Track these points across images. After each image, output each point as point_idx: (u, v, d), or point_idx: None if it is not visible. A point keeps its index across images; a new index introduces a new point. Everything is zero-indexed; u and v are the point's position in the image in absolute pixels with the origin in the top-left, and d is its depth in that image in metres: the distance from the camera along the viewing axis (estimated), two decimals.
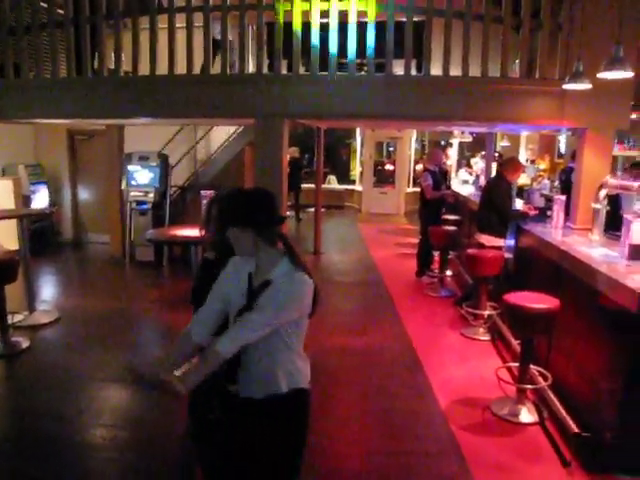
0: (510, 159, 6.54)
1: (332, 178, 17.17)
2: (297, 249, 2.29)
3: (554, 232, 5.10)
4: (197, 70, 5.75)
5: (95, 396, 4.51)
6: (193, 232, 4.80)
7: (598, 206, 4.72)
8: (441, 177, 8.21)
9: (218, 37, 6.28)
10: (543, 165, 11.70)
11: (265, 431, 2.26)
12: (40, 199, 9.60)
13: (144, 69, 5.71)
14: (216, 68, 5.65)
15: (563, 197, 5.42)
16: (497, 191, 5.87)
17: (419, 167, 14.76)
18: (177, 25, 5.56)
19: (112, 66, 5.96)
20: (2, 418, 4.20)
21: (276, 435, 2.28)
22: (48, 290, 7.82)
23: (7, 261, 5.32)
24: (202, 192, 4.90)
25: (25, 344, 5.38)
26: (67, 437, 3.82)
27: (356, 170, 16.77)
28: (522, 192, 7.39)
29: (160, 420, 4.07)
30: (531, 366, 4.24)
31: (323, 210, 11.05)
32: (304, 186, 13.85)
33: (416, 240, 10.94)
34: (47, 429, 3.92)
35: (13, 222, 7.09)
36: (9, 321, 5.41)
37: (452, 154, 13.38)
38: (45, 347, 5.52)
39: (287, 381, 2.24)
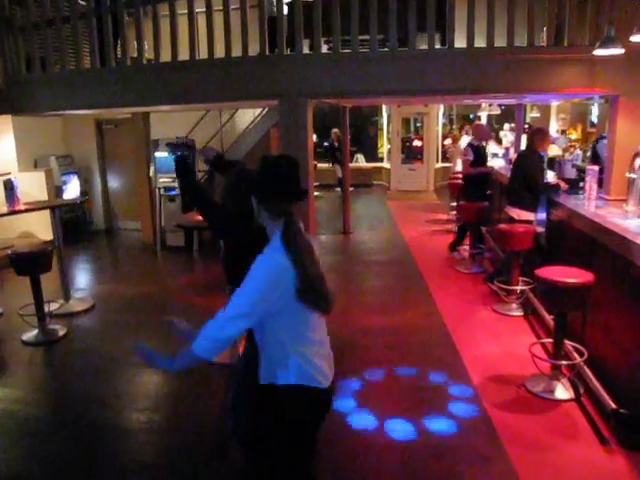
0: (537, 129, 6.38)
1: (360, 157, 17.06)
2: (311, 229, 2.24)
3: (587, 204, 4.98)
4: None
5: (131, 380, 4.60)
6: None
7: (633, 176, 4.58)
8: (484, 152, 7.98)
9: None
10: (575, 135, 11.41)
11: (264, 417, 2.31)
12: (71, 189, 9.75)
13: (166, 56, 5.71)
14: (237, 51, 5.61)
15: (596, 167, 5.27)
16: (528, 163, 5.74)
17: (447, 142, 14.56)
18: (197, 10, 5.54)
19: (135, 54, 5.98)
20: (40, 402, 4.31)
21: (270, 424, 2.32)
22: (82, 278, 7.98)
23: (42, 251, 5.43)
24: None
25: (62, 331, 5.51)
26: (104, 421, 3.92)
27: (384, 147, 16.62)
28: (553, 163, 7.21)
29: (194, 403, 4.14)
30: (566, 341, 4.18)
31: (351, 189, 11.00)
32: (329, 166, 14.31)
33: (446, 216, 10.91)
34: (84, 413, 4.02)
35: (46, 213, 7.23)
36: (46, 310, 5.53)
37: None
38: (81, 334, 5.64)
39: (282, 375, 2.20)
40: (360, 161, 16.94)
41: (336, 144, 13.28)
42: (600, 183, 5.32)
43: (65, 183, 9.58)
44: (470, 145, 7.67)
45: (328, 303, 2.19)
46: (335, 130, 13.54)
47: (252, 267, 2.09)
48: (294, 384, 2.20)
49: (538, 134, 5.96)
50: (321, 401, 2.30)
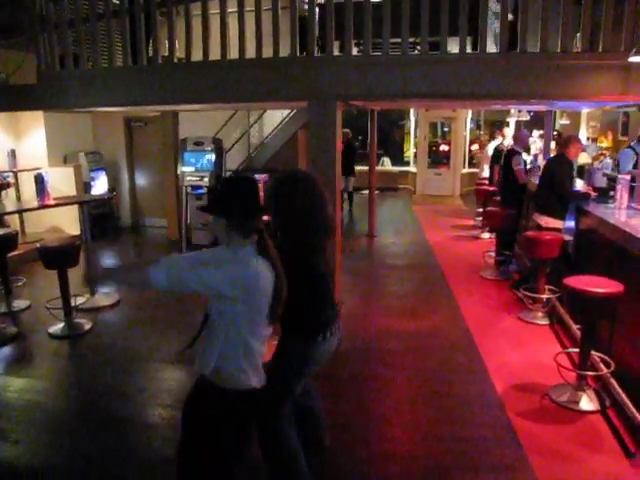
0: (569, 137, 6.29)
1: (386, 160, 17.00)
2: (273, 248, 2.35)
3: (617, 213, 4.89)
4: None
5: (154, 376, 4.64)
6: None
7: None
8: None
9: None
10: (605, 143, 11.26)
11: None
12: (100, 185, 9.88)
13: (197, 55, 5.75)
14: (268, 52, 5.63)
15: (627, 176, 5.19)
16: (558, 171, 5.67)
17: (474, 147, 14.45)
18: (229, 10, 5.57)
19: (166, 53, 6.03)
20: (65, 395, 4.37)
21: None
22: None
23: (69, 245, 5.52)
24: (256, 176, 4.90)
25: (87, 326, 5.59)
26: (126, 416, 3.96)
27: (410, 151, 16.55)
28: (583, 171, 7.12)
29: None
30: (592, 352, 4.11)
31: (377, 192, 10.97)
32: (357, 169, 13.64)
33: (472, 222, 10.83)
34: (107, 407, 4.07)
35: (75, 208, 7.35)
36: (72, 303, 5.61)
37: (509, 133, 13.02)
38: (106, 329, 5.71)
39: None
40: (386, 165, 16.88)
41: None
42: (631, 192, 5.23)
43: (93, 179, 9.72)
44: (517, 153, 7.39)
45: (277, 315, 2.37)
46: (346, 130, 12.78)
47: (228, 265, 2.26)
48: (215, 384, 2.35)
49: (569, 141, 5.90)
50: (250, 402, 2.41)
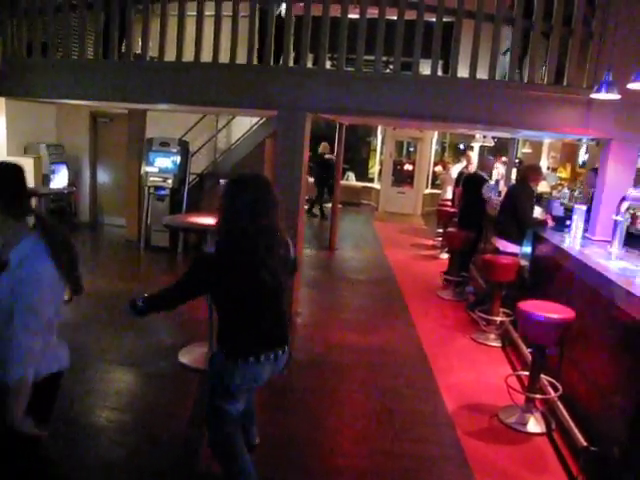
0: (532, 165, 6.48)
1: (350, 175, 17.13)
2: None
3: (572, 242, 5.04)
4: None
5: (102, 378, 4.53)
6: (210, 220, 4.80)
7: (619, 218, 4.65)
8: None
9: None
10: (564, 174, 11.59)
11: None
12: (59, 179, 9.65)
13: (170, 55, 5.71)
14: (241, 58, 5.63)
15: (583, 207, 5.35)
16: (521, 197, 5.82)
17: (438, 169, 14.68)
18: (206, 13, 5.55)
19: (139, 51, 5.97)
20: None
21: None
22: None
23: None
24: (221, 181, 4.89)
25: None
26: (72, 417, 3.84)
27: (375, 168, 16.71)
28: (541, 200, 7.31)
29: (164, 405, 4.09)
30: (542, 376, 4.20)
31: (340, 206, 11.03)
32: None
33: (432, 242, 10.98)
34: (54, 408, 3.94)
35: (32, 200, 7.14)
36: None
37: (474, 158, 13.32)
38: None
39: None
40: (351, 179, 17.00)
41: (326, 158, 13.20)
42: (587, 222, 5.40)
43: (54, 172, 9.49)
44: (485, 180, 7.58)
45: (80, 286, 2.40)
46: (324, 143, 13.46)
47: (26, 276, 2.13)
48: None
49: (532, 169, 6.08)
50: None
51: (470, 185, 7.74)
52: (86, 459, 3.40)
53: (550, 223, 5.79)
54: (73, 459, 3.37)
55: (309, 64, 5.73)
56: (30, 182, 7.44)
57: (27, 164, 8.63)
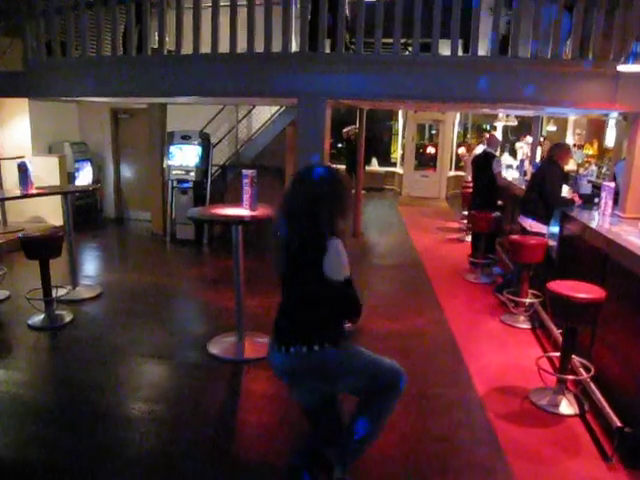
0: (561, 143, 6.36)
1: (373, 160, 17.01)
2: None
3: (601, 220, 4.94)
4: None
5: (134, 370, 4.60)
6: (234, 211, 4.82)
7: None
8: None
9: None
10: (591, 151, 11.36)
11: None
12: (84, 176, 9.79)
13: (187, 48, 5.71)
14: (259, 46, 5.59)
15: (612, 184, 5.24)
16: (550, 176, 5.72)
17: (461, 150, 14.51)
18: (221, 3, 5.53)
19: (156, 45, 5.98)
20: (44, 388, 4.32)
21: None
22: (91, 265, 8.01)
23: (52, 236, 5.45)
24: (244, 171, 4.88)
25: (68, 317, 5.52)
26: (105, 409, 3.91)
27: (397, 152, 16.58)
28: (568, 178, 7.18)
29: (196, 397, 4.13)
30: (573, 356, 4.14)
31: (363, 192, 10.97)
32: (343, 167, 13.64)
33: (457, 224, 10.88)
34: (87, 401, 4.02)
35: (58, 198, 7.26)
36: (53, 295, 5.54)
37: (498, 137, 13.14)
38: (87, 321, 5.65)
39: None
40: (373, 165, 16.90)
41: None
42: (615, 200, 5.28)
43: (78, 170, 9.63)
44: (494, 155, 7.60)
45: None
46: (349, 128, 12.84)
47: None
48: None
49: (562, 148, 5.97)
50: None
51: (480, 164, 7.67)
52: (122, 449, 3.46)
53: (578, 201, 5.69)
54: (108, 450, 3.43)
55: (327, 49, 5.67)
56: (56, 180, 7.61)
57: (52, 163, 8.78)
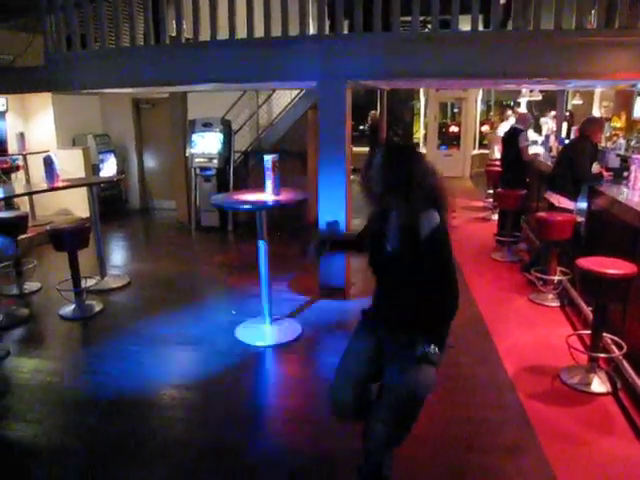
0: (593, 118, 6.21)
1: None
2: None
3: (631, 194, 4.82)
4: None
5: (163, 357, 4.65)
6: (257, 197, 4.81)
7: None
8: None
9: None
10: (618, 124, 11.08)
11: None
12: (108, 168, 9.88)
13: (204, 35, 5.70)
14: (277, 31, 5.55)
15: None
16: (581, 152, 5.59)
17: (485, 128, 14.31)
18: None
19: (174, 33, 5.97)
20: (77, 377, 4.39)
21: None
22: (118, 255, 8.11)
23: (79, 228, 5.52)
24: (266, 157, 4.86)
25: (98, 307, 5.61)
26: (137, 397, 3.97)
27: (420, 132, 16.41)
28: (598, 154, 7.02)
29: (225, 382, 4.17)
30: (604, 334, 4.08)
31: None
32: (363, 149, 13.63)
33: (482, 203, 10.75)
34: (119, 389, 4.09)
35: (84, 190, 7.36)
36: (83, 285, 5.63)
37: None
38: (117, 310, 5.73)
39: None
40: None
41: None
42: None
43: (102, 161, 9.72)
44: (522, 130, 7.50)
45: None
46: (373, 112, 13.21)
47: None
48: None
49: (593, 122, 5.82)
50: None
51: (509, 141, 7.55)
52: (154, 435, 3.51)
53: (606, 176, 5.56)
54: (140, 436, 3.49)
55: (345, 30, 5.60)
56: (81, 172, 7.69)
57: (76, 155, 8.88)
